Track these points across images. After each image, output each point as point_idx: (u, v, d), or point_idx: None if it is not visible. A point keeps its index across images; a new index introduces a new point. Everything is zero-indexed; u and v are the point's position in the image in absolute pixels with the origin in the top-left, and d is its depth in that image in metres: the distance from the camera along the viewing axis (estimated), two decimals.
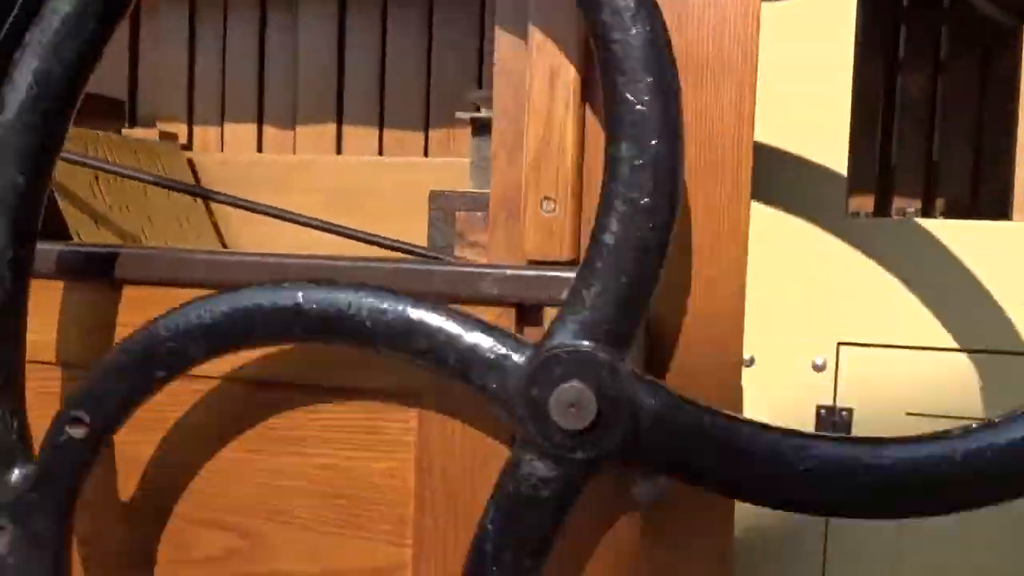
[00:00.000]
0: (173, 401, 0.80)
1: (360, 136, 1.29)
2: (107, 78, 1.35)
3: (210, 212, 1.29)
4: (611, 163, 0.58)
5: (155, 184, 0.98)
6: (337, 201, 1.25)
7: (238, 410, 0.79)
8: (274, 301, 0.62)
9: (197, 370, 0.70)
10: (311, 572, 0.78)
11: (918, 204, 1.34)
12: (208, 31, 1.36)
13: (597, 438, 0.57)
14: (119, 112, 1.33)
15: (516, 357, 0.59)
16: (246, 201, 0.88)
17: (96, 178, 1.02)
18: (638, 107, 0.57)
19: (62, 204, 1.01)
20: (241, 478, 0.79)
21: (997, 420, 0.49)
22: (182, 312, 0.64)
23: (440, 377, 0.63)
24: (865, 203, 1.36)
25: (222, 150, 1.33)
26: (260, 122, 1.33)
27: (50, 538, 0.68)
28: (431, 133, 1.29)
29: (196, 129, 1.35)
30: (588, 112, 0.72)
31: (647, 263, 0.57)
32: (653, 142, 0.56)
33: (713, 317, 0.69)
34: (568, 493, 0.59)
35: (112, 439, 0.71)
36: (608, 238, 0.58)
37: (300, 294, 0.62)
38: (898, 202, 1.36)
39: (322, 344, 0.67)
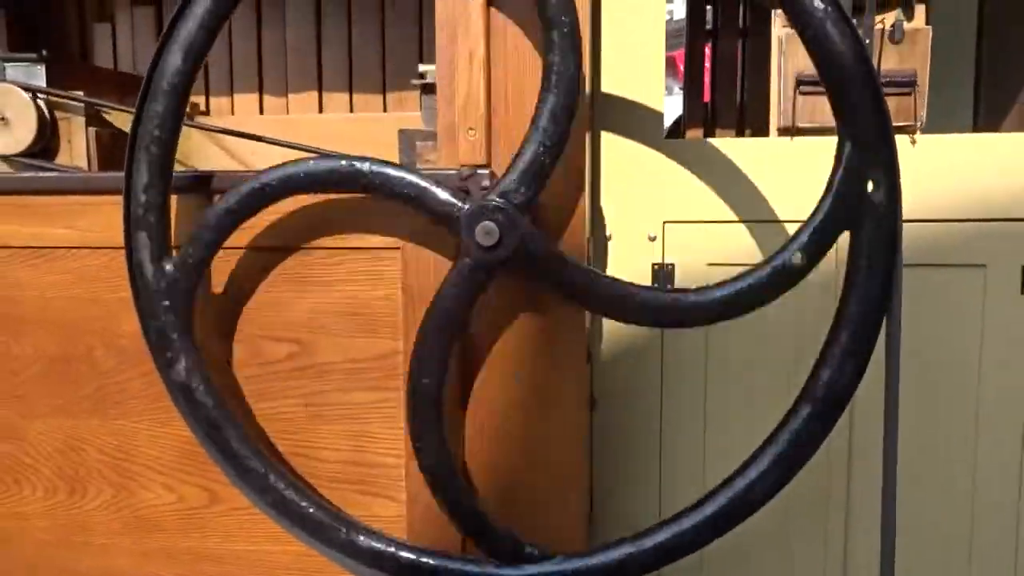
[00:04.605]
0: (234, 266, 1.28)
1: (336, 100, 1.77)
2: (141, 59, 1.80)
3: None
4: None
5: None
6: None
7: (294, 262, 1.27)
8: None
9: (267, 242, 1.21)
10: (339, 360, 1.28)
11: (732, 132, 1.88)
12: None
13: (497, 252, 1.09)
14: None
15: (463, 206, 1.10)
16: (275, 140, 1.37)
17: None
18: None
19: None
20: (292, 307, 1.28)
21: None
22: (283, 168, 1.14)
23: (422, 219, 1.15)
24: (698, 132, 1.90)
25: (232, 114, 1.79)
26: (261, 92, 1.80)
27: None
28: (388, 96, 1.78)
29: (212, 99, 1.81)
30: (491, 76, 1.23)
31: (537, 164, 1.09)
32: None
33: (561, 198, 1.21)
34: (481, 281, 1.12)
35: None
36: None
37: (355, 164, 1.12)
38: (720, 132, 1.89)
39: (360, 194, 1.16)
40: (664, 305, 1.12)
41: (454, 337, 1.13)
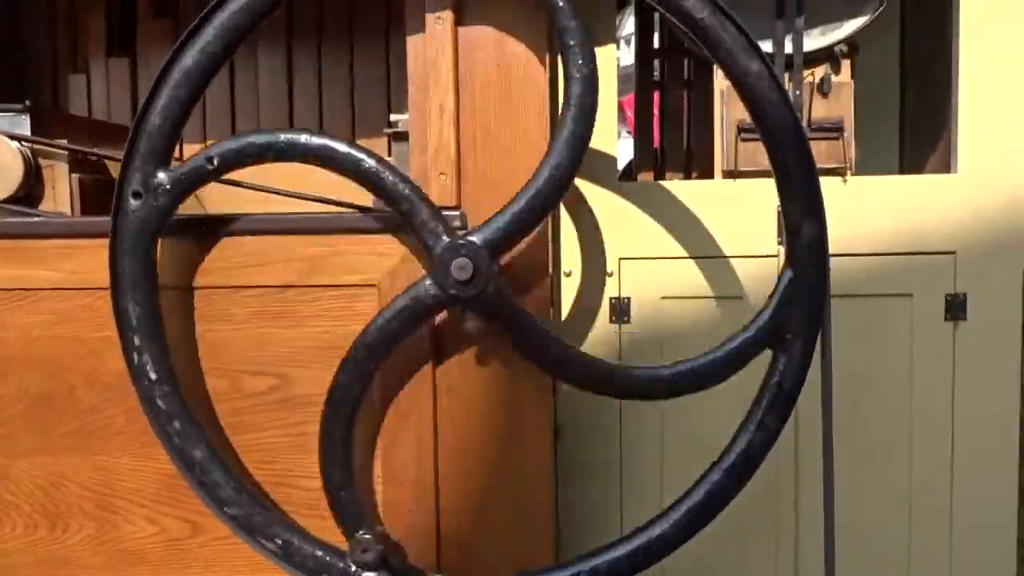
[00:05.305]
0: (214, 305, 1.35)
1: None
2: (115, 109, 1.86)
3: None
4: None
5: None
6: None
7: (273, 300, 1.35)
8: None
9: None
10: (318, 393, 1.35)
11: (681, 175, 2.02)
12: None
13: (470, 287, 1.18)
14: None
15: (445, 238, 1.19)
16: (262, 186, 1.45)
17: None
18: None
19: None
20: (271, 343, 1.35)
21: None
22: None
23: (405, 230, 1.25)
24: (649, 175, 2.03)
25: None
26: None
27: None
28: (357, 142, 1.86)
29: (185, 147, 1.88)
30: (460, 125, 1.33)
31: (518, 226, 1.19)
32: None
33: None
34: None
35: None
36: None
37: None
38: (670, 175, 2.03)
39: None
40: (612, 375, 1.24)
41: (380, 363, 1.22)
